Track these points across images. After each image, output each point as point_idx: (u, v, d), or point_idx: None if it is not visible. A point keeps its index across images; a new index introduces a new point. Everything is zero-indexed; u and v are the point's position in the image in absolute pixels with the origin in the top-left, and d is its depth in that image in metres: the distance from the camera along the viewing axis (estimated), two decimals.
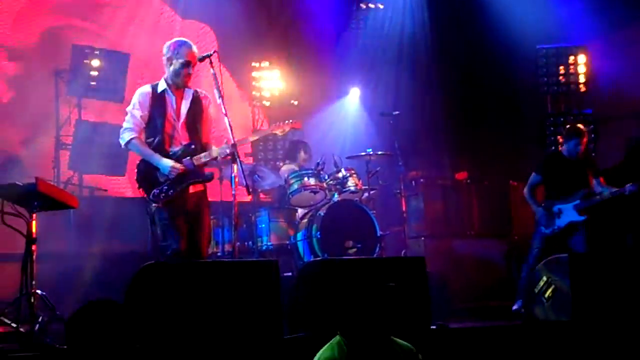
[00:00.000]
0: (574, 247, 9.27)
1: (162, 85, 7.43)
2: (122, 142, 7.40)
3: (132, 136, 7.30)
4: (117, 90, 11.31)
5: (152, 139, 7.34)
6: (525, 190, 9.74)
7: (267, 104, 13.06)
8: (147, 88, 7.46)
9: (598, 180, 9.42)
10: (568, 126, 9.91)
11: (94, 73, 11.14)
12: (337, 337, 4.50)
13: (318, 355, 4.50)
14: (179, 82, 7.39)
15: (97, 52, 11.20)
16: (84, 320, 5.94)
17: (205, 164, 7.38)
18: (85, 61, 11.10)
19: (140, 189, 7.34)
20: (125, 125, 7.37)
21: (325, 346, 4.51)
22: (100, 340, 5.85)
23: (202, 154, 7.32)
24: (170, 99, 7.39)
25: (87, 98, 11.41)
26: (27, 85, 11.57)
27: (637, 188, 8.98)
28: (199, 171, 7.32)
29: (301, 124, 8.31)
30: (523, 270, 9.50)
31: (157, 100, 7.37)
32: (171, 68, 7.39)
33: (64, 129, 11.30)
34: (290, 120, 8.07)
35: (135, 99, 7.42)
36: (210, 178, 7.44)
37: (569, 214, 9.32)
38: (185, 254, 7.10)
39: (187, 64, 7.34)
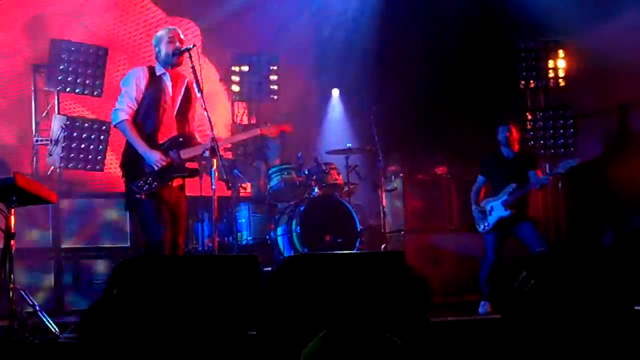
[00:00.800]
0: (523, 235, 9.41)
1: (159, 69, 7.40)
2: (113, 122, 7.39)
3: (123, 118, 7.24)
4: (95, 85, 11.26)
5: (143, 124, 7.29)
6: (472, 192, 9.93)
7: (245, 98, 13.01)
8: (143, 68, 7.44)
9: (533, 172, 9.52)
10: None
11: (73, 67, 11.08)
12: (325, 332, 4.47)
13: (306, 350, 4.47)
14: (173, 61, 7.34)
15: (74, 47, 11.14)
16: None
17: (191, 158, 7.36)
18: (63, 55, 11.04)
19: (124, 178, 7.32)
20: (117, 105, 7.31)
21: (313, 341, 4.49)
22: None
23: (189, 149, 7.29)
24: (167, 84, 7.37)
25: (66, 92, 11.34)
26: (5, 79, 11.50)
27: (550, 177, 9.46)
28: (184, 165, 7.29)
29: (291, 126, 8.24)
30: (482, 269, 9.58)
31: (154, 83, 7.34)
32: (161, 53, 7.39)
33: (43, 123, 11.23)
34: (281, 123, 8.04)
35: (131, 78, 7.36)
36: (195, 173, 7.43)
37: (498, 210, 9.49)
38: (166, 246, 7.09)
39: (171, 40, 7.34)
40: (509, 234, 9.53)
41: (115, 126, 7.41)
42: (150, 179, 7.15)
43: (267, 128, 7.88)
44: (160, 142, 7.26)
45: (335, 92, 13.80)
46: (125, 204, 7.52)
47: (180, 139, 7.30)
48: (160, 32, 7.51)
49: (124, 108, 7.27)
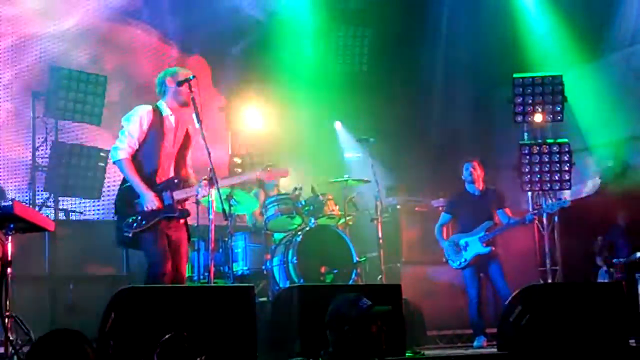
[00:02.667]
0: (493, 276, 9.61)
1: (165, 110, 7.35)
2: (112, 159, 7.37)
3: (123, 157, 7.19)
4: (94, 113, 11.29)
5: (143, 164, 7.25)
6: (435, 228, 10.11)
7: (245, 131, 13.07)
8: (148, 108, 7.33)
9: (502, 212, 9.76)
10: None
11: (72, 95, 11.12)
12: None
13: None
14: (182, 100, 7.30)
15: (74, 75, 11.18)
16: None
17: (184, 199, 7.37)
18: (62, 83, 11.08)
19: (116, 214, 7.31)
20: (118, 143, 7.25)
21: None
22: None
23: (182, 190, 7.29)
24: (172, 125, 7.34)
25: (65, 120, 11.37)
26: (4, 107, 11.54)
27: (535, 216, 9.78)
28: (175, 207, 7.25)
29: (289, 171, 8.25)
30: (470, 307, 9.63)
31: (158, 124, 7.28)
32: (170, 91, 7.35)
33: (41, 150, 11.25)
34: (279, 168, 8.04)
35: (135, 116, 7.27)
36: (183, 215, 7.35)
37: (474, 246, 9.63)
38: (168, 276, 7.05)
39: (184, 81, 7.26)
40: (481, 271, 9.64)
41: (114, 163, 7.39)
42: (139, 217, 7.14)
43: (264, 173, 7.85)
44: (159, 182, 7.25)
45: (338, 125, 13.92)
46: (115, 239, 7.44)
47: (176, 181, 7.28)
48: (166, 71, 7.49)
49: (124, 147, 7.22)
